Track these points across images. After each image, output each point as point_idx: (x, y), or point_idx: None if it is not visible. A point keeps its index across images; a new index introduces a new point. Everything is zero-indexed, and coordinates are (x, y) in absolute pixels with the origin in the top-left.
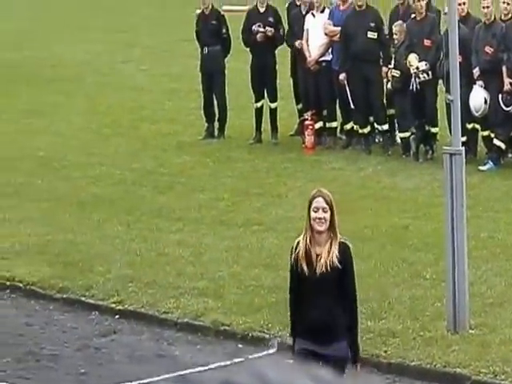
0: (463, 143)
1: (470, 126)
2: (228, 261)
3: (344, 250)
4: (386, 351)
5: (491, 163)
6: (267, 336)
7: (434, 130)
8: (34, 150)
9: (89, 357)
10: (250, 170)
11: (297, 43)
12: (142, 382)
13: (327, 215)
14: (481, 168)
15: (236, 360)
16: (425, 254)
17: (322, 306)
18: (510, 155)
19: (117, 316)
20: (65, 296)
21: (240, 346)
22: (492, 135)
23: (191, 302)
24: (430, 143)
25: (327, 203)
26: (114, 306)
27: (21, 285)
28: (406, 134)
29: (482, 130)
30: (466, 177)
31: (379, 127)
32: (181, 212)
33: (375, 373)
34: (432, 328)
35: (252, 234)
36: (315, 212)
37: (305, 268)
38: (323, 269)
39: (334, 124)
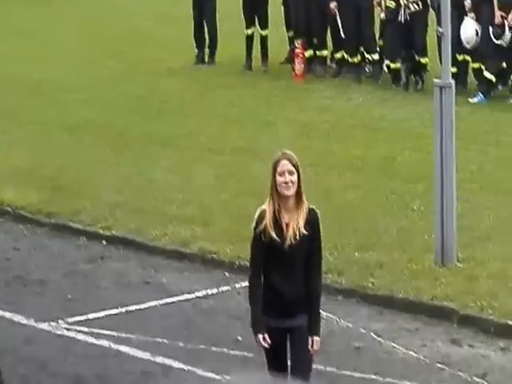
0: (453, 74)
1: (460, 58)
2: (216, 188)
3: (313, 217)
4: (372, 283)
5: (481, 95)
6: None
7: (423, 60)
8: (24, 72)
9: (76, 282)
10: (239, 97)
11: None
12: (128, 308)
13: (294, 178)
14: (471, 100)
15: (223, 288)
16: (413, 186)
17: (293, 279)
18: (500, 88)
19: (104, 242)
20: (53, 221)
21: (227, 274)
22: (482, 67)
23: (179, 229)
24: (419, 74)
25: (293, 165)
26: (101, 231)
27: (9, 209)
28: (397, 65)
29: (472, 62)
30: (455, 109)
31: (369, 57)
32: (170, 138)
33: (362, 304)
34: (419, 260)
35: (241, 162)
36: (281, 176)
37: (275, 237)
38: (293, 238)
39: (325, 52)
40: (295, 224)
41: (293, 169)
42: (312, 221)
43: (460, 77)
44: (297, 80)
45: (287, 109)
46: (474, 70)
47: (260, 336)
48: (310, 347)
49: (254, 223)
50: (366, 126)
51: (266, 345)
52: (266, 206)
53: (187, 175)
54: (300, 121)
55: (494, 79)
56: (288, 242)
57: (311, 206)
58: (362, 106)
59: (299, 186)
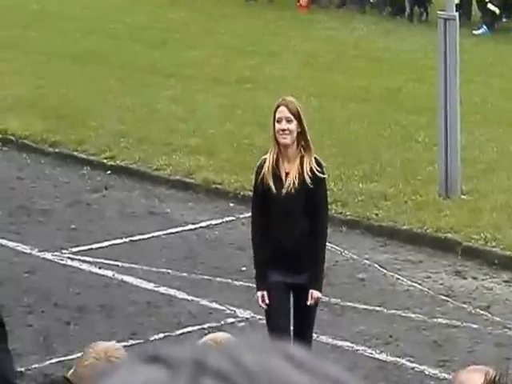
0: (457, 6)
1: None
2: (220, 118)
3: (317, 168)
4: (377, 214)
5: (485, 27)
6: None
7: None
8: (28, 2)
9: (80, 212)
10: (244, 27)
11: None
12: (132, 238)
13: (292, 126)
14: (475, 32)
15: (227, 219)
16: (417, 117)
17: (294, 232)
18: (504, 20)
19: (108, 172)
20: (57, 150)
21: (231, 204)
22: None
23: (183, 160)
24: (424, 5)
25: (291, 112)
26: (105, 161)
27: (13, 138)
28: None
29: None
30: (459, 41)
31: None
32: (174, 68)
33: (366, 235)
34: (424, 192)
35: (245, 92)
36: (278, 123)
37: (272, 186)
38: (292, 188)
39: None
40: (295, 173)
41: (290, 116)
42: (315, 172)
43: (464, 8)
44: (301, 10)
45: (292, 39)
46: (477, 1)
47: (259, 294)
48: (309, 300)
49: (254, 172)
50: (369, 56)
51: (263, 305)
52: (267, 155)
53: (191, 105)
54: (304, 51)
55: (497, 11)
56: (285, 191)
57: (317, 157)
58: (366, 37)
59: (302, 134)
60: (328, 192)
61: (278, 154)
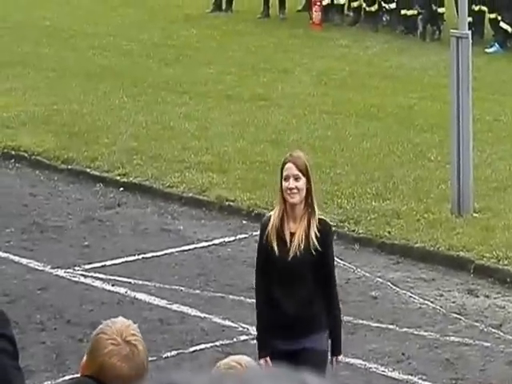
0: (470, 25)
1: (476, 8)
2: (234, 136)
3: (324, 228)
4: (389, 232)
5: (497, 46)
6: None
7: (440, 10)
8: (41, 18)
9: (93, 229)
10: (257, 44)
11: None
12: (145, 255)
13: (300, 184)
14: (487, 50)
15: (240, 236)
16: (430, 135)
17: (298, 296)
18: None
19: (121, 188)
20: (70, 167)
21: (244, 221)
22: (499, 18)
23: (196, 177)
24: (436, 23)
25: (299, 169)
26: (118, 178)
27: (26, 155)
28: (413, 12)
29: (488, 13)
30: (472, 59)
31: (386, 6)
32: (187, 85)
33: (378, 253)
34: (436, 210)
35: (258, 110)
36: (285, 181)
37: (275, 248)
38: (298, 250)
39: (342, 1)
40: (301, 234)
41: (298, 173)
42: (322, 233)
43: (476, 27)
44: (314, 28)
45: (305, 56)
46: (490, 20)
47: (261, 361)
48: (331, 367)
49: (259, 228)
50: (383, 74)
51: None
52: (273, 212)
53: (204, 123)
54: (317, 69)
55: (510, 29)
56: (292, 254)
57: (323, 217)
58: (378, 55)
59: (309, 193)
60: (341, 210)
61: (284, 213)
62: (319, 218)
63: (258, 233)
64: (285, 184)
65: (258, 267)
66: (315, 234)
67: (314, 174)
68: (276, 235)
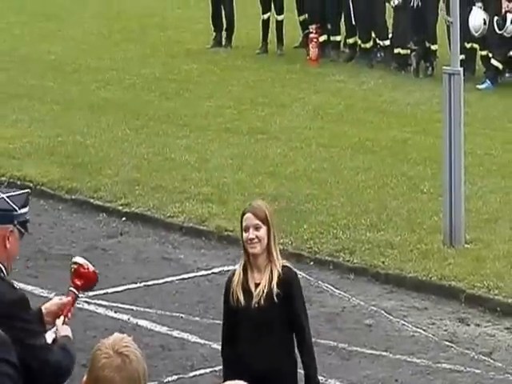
0: (462, 61)
1: (468, 46)
2: (232, 168)
3: (287, 276)
4: (383, 262)
5: (489, 82)
6: None
7: (433, 47)
8: (46, 53)
9: (96, 257)
10: (255, 79)
11: None
12: (146, 283)
13: (261, 233)
14: (479, 87)
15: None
16: (423, 168)
17: (264, 349)
18: (507, 75)
19: (124, 218)
20: (73, 197)
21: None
22: (490, 55)
23: (196, 207)
24: (429, 60)
25: (259, 219)
26: (121, 208)
27: (31, 184)
28: (406, 51)
29: (480, 50)
30: (464, 95)
31: (381, 43)
32: (187, 118)
33: (373, 283)
34: (429, 241)
35: (256, 143)
36: (245, 232)
37: (241, 299)
38: (262, 301)
39: (338, 38)
40: (264, 284)
41: (258, 223)
42: (286, 280)
43: (468, 64)
44: (311, 64)
45: (302, 91)
46: (481, 57)
47: None
48: None
49: (224, 289)
50: (377, 109)
51: None
52: (238, 265)
53: (204, 155)
54: (314, 103)
55: (500, 66)
56: (255, 304)
57: (286, 264)
58: (373, 90)
59: (270, 241)
60: (336, 240)
61: (247, 264)
62: (283, 266)
63: (223, 291)
64: (245, 235)
65: (223, 327)
66: (277, 282)
67: (274, 224)
68: (242, 287)
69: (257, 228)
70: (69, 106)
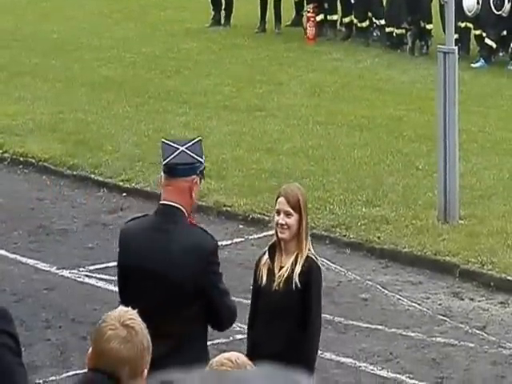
0: (456, 41)
1: (462, 25)
2: (231, 144)
3: (310, 268)
4: (379, 237)
5: (482, 61)
6: (267, 218)
7: (428, 26)
8: (49, 32)
9: (96, 232)
10: (253, 57)
11: None
12: None
13: (291, 221)
14: (473, 65)
15: (236, 240)
16: (418, 146)
17: (275, 331)
18: (500, 54)
19: (124, 194)
20: (75, 173)
21: (241, 226)
22: (484, 34)
23: None
24: (425, 39)
25: (291, 205)
26: (121, 184)
27: (33, 161)
28: (401, 31)
29: (474, 29)
30: (458, 73)
31: (377, 22)
32: (187, 96)
33: (368, 257)
34: (423, 217)
35: (254, 120)
36: (278, 215)
37: (264, 279)
38: (281, 285)
39: (335, 17)
40: (287, 268)
41: (290, 210)
42: (306, 271)
43: (463, 43)
44: (308, 42)
45: (299, 69)
46: (475, 36)
47: None
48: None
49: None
50: (373, 87)
51: None
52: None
53: (203, 131)
54: (311, 81)
55: (494, 45)
56: (276, 288)
57: (311, 255)
58: (369, 69)
59: (300, 228)
60: (332, 215)
61: (276, 245)
62: (307, 256)
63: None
64: (276, 218)
65: (249, 315)
66: (299, 273)
67: (306, 212)
68: (267, 267)
69: (288, 215)
70: (71, 84)
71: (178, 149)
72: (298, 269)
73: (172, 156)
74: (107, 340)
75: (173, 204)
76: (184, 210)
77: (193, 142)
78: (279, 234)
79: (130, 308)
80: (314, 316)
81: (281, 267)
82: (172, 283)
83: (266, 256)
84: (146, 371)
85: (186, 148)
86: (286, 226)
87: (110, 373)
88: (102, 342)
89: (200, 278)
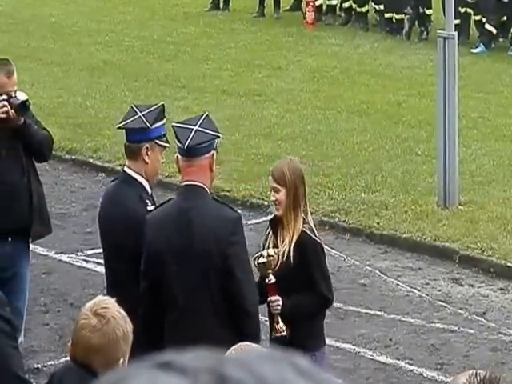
0: (456, 26)
1: (462, 10)
2: (229, 129)
3: (302, 241)
4: (378, 223)
5: (482, 46)
6: (266, 203)
7: (428, 11)
8: (47, 16)
9: (95, 217)
10: (252, 42)
11: None
12: None
13: (280, 196)
14: (473, 51)
15: None
16: (418, 131)
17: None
18: (500, 39)
19: None
20: (73, 157)
21: (239, 211)
22: (483, 20)
23: None
24: (424, 24)
25: (276, 181)
26: (119, 168)
27: None
28: (401, 16)
29: (474, 15)
30: (458, 58)
31: (376, 7)
32: (185, 80)
33: (368, 243)
34: (423, 202)
35: (253, 104)
36: (271, 191)
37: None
38: (280, 259)
39: (334, 2)
40: (286, 242)
41: (277, 186)
42: (300, 246)
43: (462, 28)
44: (307, 27)
45: (298, 54)
46: (475, 21)
47: None
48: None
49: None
50: (372, 72)
51: None
52: None
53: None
54: (310, 66)
55: (494, 31)
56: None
57: (304, 229)
58: (369, 54)
59: (293, 203)
60: (332, 201)
61: (278, 220)
62: (301, 231)
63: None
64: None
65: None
66: (294, 246)
67: (298, 185)
68: (272, 241)
69: (276, 191)
70: (69, 68)
71: (193, 129)
72: (292, 244)
73: (190, 138)
74: (79, 329)
75: (196, 183)
76: (206, 187)
77: (202, 118)
78: (274, 211)
79: (107, 297)
80: (324, 289)
81: (282, 241)
82: (201, 258)
83: (268, 230)
84: (122, 360)
85: (200, 126)
86: (277, 202)
87: (81, 361)
88: (76, 331)
89: (225, 248)
